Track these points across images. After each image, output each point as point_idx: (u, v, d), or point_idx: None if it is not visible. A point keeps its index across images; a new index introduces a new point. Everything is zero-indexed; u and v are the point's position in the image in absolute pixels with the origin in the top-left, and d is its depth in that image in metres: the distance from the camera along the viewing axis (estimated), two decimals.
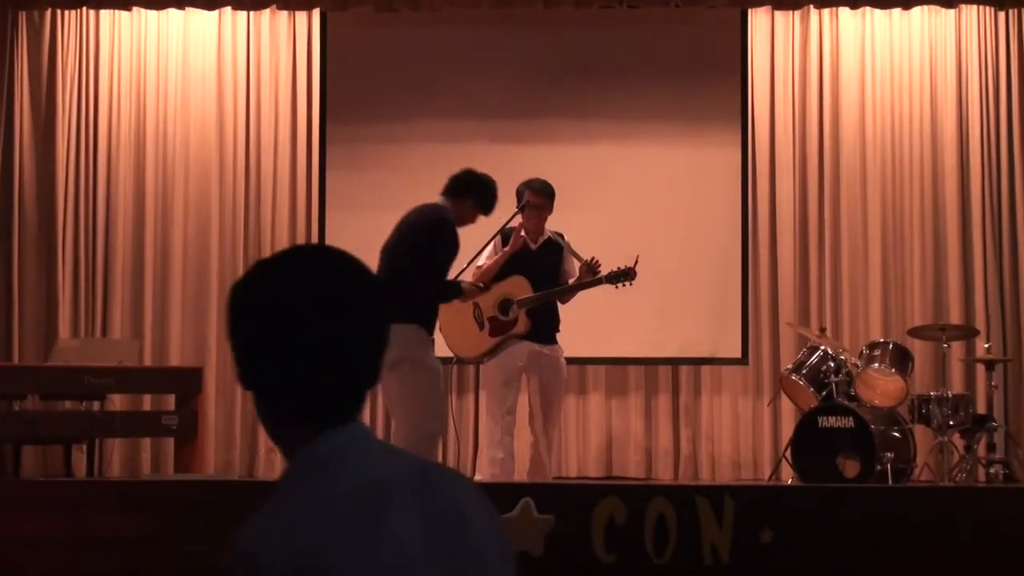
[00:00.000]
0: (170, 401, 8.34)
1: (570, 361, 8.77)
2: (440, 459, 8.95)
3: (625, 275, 6.77)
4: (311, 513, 1.84)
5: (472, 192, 6.41)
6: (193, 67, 9.40)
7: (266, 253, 9.16)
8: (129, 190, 9.32)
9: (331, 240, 8.84)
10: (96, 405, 7.94)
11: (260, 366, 1.89)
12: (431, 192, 8.63)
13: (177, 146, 9.35)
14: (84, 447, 8.16)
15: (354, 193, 9.17)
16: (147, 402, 8.86)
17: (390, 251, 6.35)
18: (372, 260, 8.17)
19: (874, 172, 9.19)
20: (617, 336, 9.04)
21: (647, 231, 8.91)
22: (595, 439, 9.19)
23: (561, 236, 7.00)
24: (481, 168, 8.52)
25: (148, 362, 8.97)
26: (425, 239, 6.19)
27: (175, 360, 9.09)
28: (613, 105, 9.17)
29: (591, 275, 6.79)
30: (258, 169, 9.39)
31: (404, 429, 6.10)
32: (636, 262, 6.75)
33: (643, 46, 9.25)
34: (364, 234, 8.82)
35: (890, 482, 7.32)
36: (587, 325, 8.64)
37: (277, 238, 9.35)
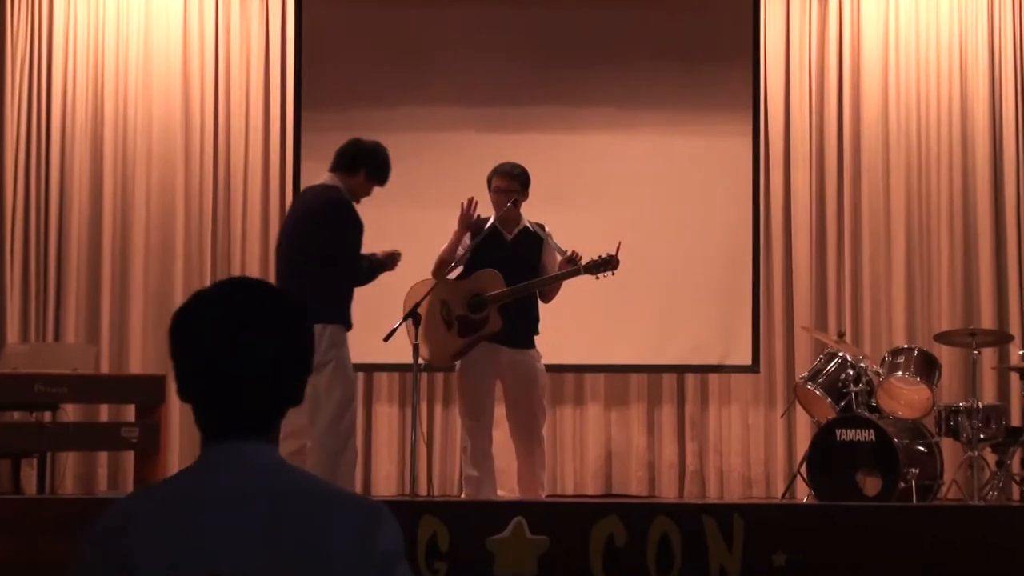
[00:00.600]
0: (129, 412, 8.31)
1: (566, 369, 8.81)
2: (422, 475, 8.94)
3: (606, 264, 6.64)
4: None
5: (362, 163, 6.45)
6: (156, 47, 9.35)
7: (236, 249, 9.25)
8: (85, 181, 9.28)
9: None
10: (48, 416, 7.89)
11: (178, 383, 2.35)
12: (414, 185, 8.70)
13: (138, 134, 9.30)
14: (35, 462, 8.13)
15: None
16: (104, 413, 8.84)
17: (288, 248, 6.37)
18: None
19: (898, 163, 9.19)
20: (617, 342, 9.03)
21: (650, 228, 8.93)
22: (593, 453, 9.19)
23: (541, 227, 6.92)
24: (470, 158, 8.60)
25: (105, 369, 8.95)
26: (322, 228, 6.23)
27: (135, 367, 9.05)
28: (613, 91, 9.17)
29: (570, 267, 6.71)
30: (227, 160, 9.38)
31: (313, 442, 6.19)
32: (618, 249, 6.65)
33: (647, 27, 9.23)
34: None
35: (914, 500, 7.30)
36: (585, 330, 8.63)
37: (247, 234, 9.34)
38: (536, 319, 6.84)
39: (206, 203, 9.32)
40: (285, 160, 9.35)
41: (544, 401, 6.91)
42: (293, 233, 6.37)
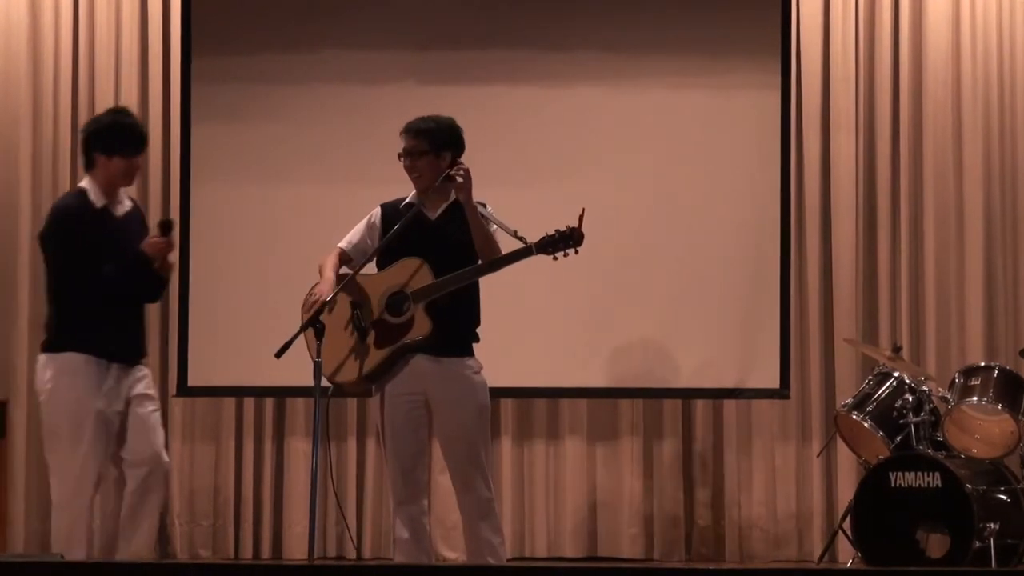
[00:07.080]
0: None
1: (537, 393, 8.83)
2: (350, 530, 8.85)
3: (564, 240, 6.52)
4: None
5: (92, 146, 6.70)
6: None
7: None
8: None
9: (201, 222, 8.92)
10: None
11: None
12: (338, 151, 8.60)
13: None
14: None
15: (232, 155, 9.09)
16: None
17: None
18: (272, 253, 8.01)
19: (973, 124, 9.23)
20: (604, 358, 9.00)
21: (647, 209, 8.91)
22: (572, 504, 9.23)
23: (482, 205, 6.77)
24: (410, 117, 8.47)
25: None
26: (42, 249, 6.77)
27: None
28: (602, 32, 9.14)
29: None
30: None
31: None
32: (581, 219, 6.48)
33: None
34: (248, 214, 8.76)
35: (994, 565, 7.34)
36: (561, 343, 8.56)
37: None
38: (473, 319, 6.74)
39: (62, 180, 9.29)
40: (169, 120, 9.37)
41: (481, 429, 6.70)
42: None
